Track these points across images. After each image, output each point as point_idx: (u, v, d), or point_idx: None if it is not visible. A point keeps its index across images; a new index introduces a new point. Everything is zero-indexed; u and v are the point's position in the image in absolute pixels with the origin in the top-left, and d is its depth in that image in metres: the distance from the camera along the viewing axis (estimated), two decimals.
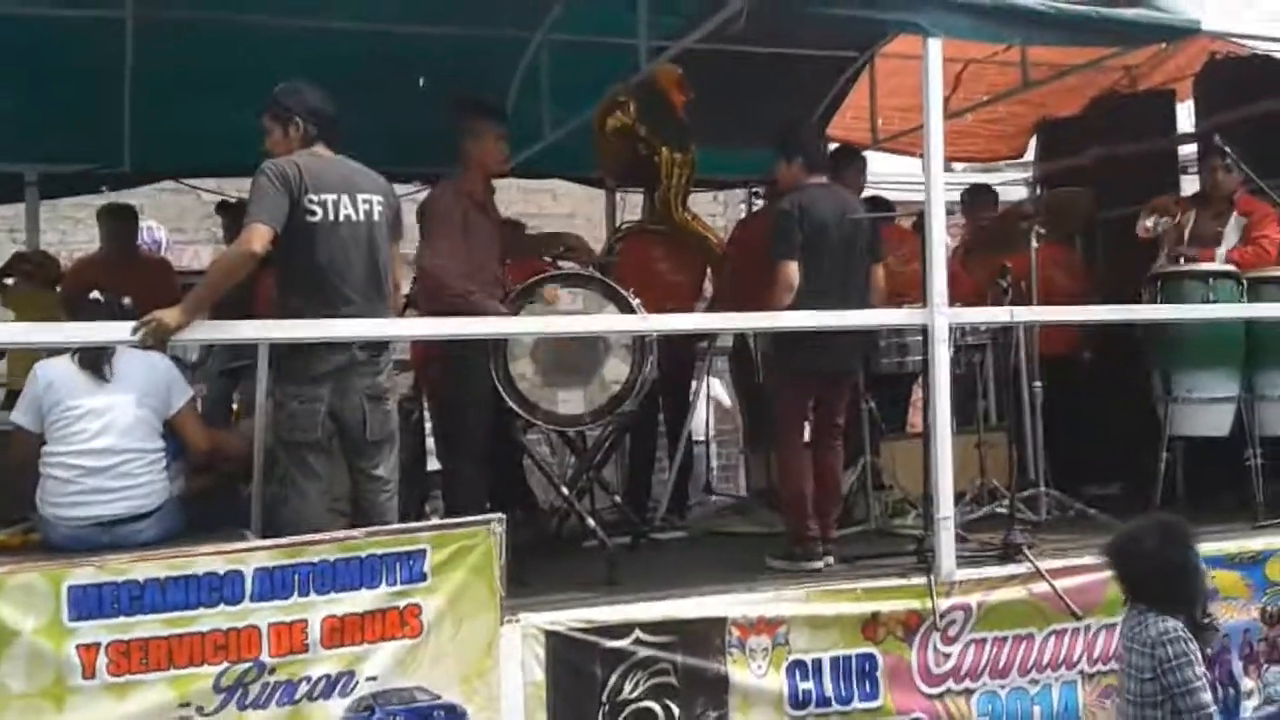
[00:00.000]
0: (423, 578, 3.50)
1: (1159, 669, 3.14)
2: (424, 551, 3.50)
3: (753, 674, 3.82)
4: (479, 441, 4.45)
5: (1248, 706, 4.47)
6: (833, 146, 6.53)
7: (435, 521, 3.87)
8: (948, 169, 10.06)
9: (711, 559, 4.74)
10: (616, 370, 4.50)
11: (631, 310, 4.48)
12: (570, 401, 4.47)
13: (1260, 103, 5.67)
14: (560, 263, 5.24)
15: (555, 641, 3.61)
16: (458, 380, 4.47)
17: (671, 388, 5.57)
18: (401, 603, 3.45)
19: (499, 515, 3.62)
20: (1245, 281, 5.06)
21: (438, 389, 4.85)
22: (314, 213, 3.72)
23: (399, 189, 4.08)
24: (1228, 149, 5.22)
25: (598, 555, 4.38)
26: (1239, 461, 5.00)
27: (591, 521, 4.57)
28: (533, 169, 6.67)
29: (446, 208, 4.51)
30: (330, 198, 3.77)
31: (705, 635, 3.80)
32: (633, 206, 6.33)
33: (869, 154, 6.30)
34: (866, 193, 5.87)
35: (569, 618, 3.66)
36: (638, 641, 3.69)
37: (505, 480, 5.06)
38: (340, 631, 3.37)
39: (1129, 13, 4.50)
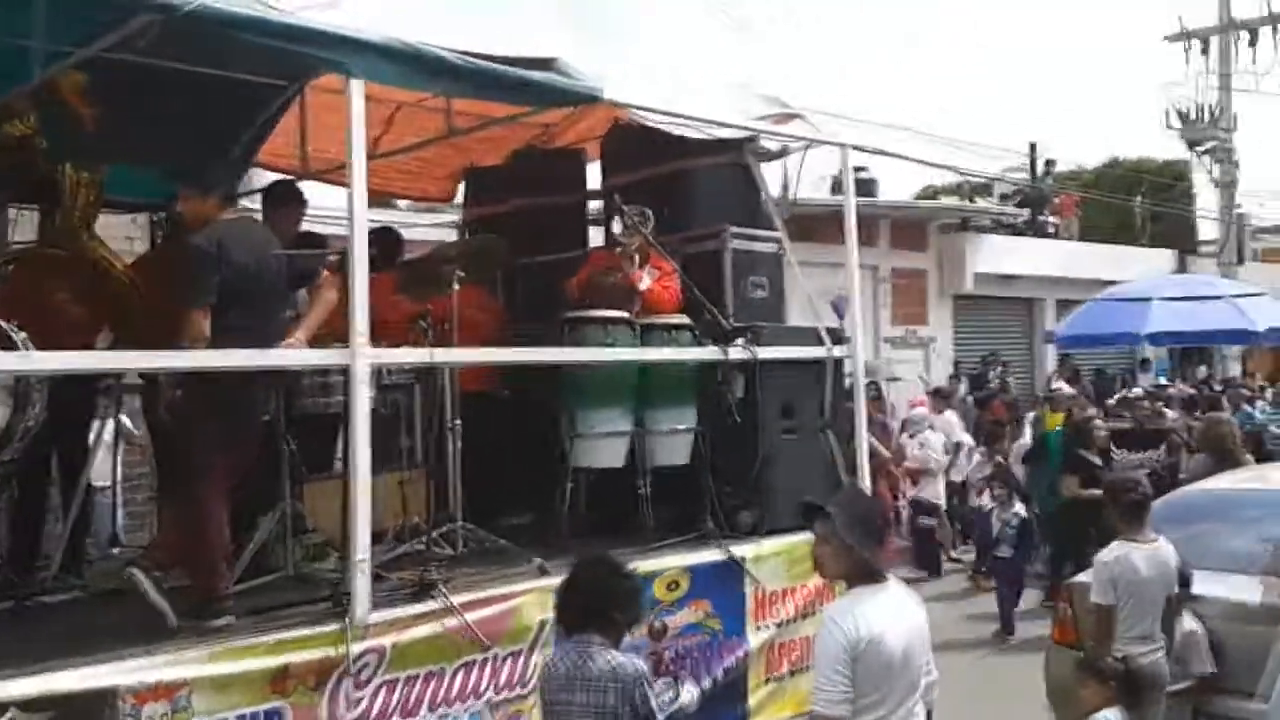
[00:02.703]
0: None
1: (636, 707, 3.35)
2: None
3: None
4: None
5: None
6: (272, 178, 6.34)
7: None
8: (391, 205, 10.16)
9: (112, 621, 4.31)
10: None
11: (13, 346, 3.98)
12: None
13: (653, 166, 6.34)
14: None
15: None
16: None
17: (67, 431, 5.02)
18: None
19: None
20: (638, 327, 5.65)
21: None
22: None
23: None
24: (624, 208, 5.80)
25: None
26: (633, 489, 5.54)
27: None
28: None
29: None
30: None
31: (92, 707, 3.47)
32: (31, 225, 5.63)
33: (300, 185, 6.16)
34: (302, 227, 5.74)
35: None
36: None
37: None
38: None
39: (538, 75, 4.86)
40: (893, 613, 3.43)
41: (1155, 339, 12.06)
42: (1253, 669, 4.92)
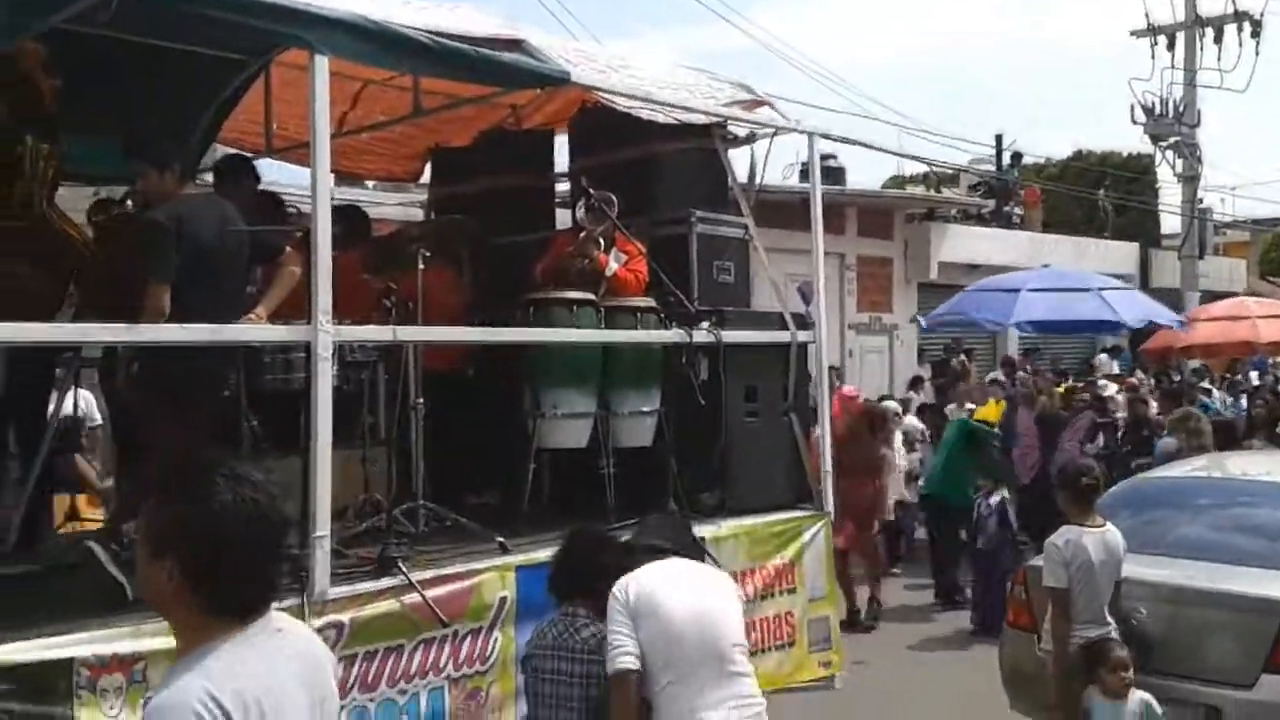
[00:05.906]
0: None
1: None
2: None
3: (105, 715, 3.53)
4: None
5: None
6: (224, 153, 6.28)
7: None
8: (359, 184, 10.07)
9: (70, 593, 4.28)
10: None
11: None
12: None
13: (621, 150, 6.35)
14: None
15: None
16: None
17: (21, 405, 4.99)
18: None
19: None
20: (604, 309, 5.66)
21: None
22: None
23: None
24: (591, 191, 5.80)
25: None
26: (596, 470, 5.56)
27: None
28: None
29: None
30: None
31: (48, 679, 3.45)
32: None
33: (267, 162, 6.14)
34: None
35: None
36: None
37: None
38: None
39: (506, 56, 4.85)
40: (671, 577, 3.56)
41: (1021, 327, 12.59)
42: (1187, 651, 5.01)
